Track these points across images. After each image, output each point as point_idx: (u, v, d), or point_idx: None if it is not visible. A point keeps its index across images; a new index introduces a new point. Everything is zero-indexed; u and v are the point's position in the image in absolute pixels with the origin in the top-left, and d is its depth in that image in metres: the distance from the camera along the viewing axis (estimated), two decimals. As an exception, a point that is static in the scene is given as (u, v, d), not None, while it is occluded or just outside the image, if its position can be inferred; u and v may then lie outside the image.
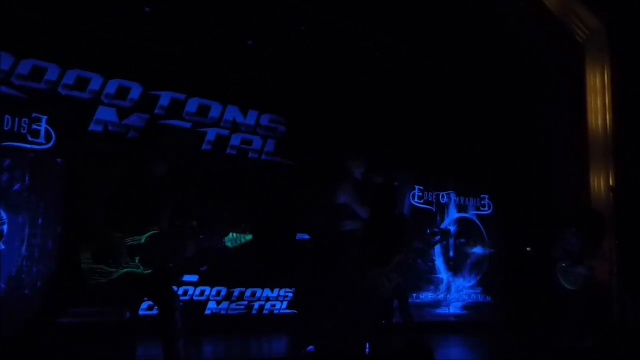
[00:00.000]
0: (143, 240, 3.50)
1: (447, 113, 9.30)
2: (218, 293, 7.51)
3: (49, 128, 6.29)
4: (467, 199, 9.59)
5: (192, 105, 7.65)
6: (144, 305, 6.60)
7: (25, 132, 6.14)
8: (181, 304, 3.70)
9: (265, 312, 7.87)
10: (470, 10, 8.40)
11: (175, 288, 6.90)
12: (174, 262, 3.69)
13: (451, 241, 9.16)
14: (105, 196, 3.47)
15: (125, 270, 3.47)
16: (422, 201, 9.14)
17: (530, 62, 9.44)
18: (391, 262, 5.73)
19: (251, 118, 8.15)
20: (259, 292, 7.84)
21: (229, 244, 3.70)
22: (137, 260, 3.49)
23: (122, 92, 7.05)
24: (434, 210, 9.25)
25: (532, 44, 9.36)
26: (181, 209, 3.79)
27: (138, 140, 6.25)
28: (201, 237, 3.67)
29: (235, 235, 3.66)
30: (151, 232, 3.52)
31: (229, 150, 7.94)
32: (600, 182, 8.92)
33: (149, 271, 3.51)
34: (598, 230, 6.66)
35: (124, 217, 3.48)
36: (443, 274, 9.14)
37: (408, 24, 8.38)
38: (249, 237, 3.69)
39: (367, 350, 5.41)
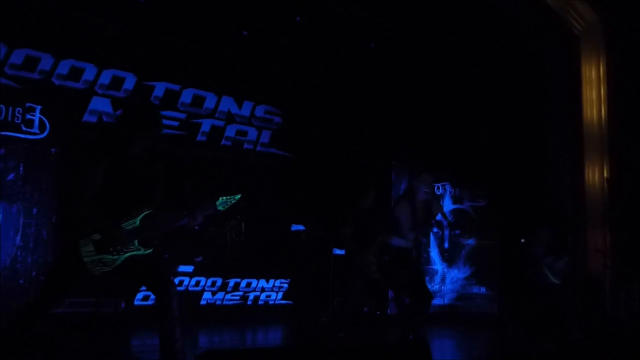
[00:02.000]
0: (138, 223, 3.52)
1: (442, 105, 9.29)
2: (213, 283, 7.51)
3: (43, 118, 6.26)
4: (462, 190, 9.60)
5: (187, 95, 7.63)
6: (139, 295, 6.64)
7: (19, 121, 6.12)
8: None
9: (260, 302, 7.89)
10: (469, 2, 8.36)
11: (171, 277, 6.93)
12: (174, 239, 3.71)
13: (446, 232, 9.18)
14: (95, 186, 3.48)
15: (127, 254, 3.49)
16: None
17: (526, 54, 9.43)
18: (376, 242, 5.71)
19: (246, 109, 8.13)
20: (254, 282, 7.85)
21: (220, 208, 3.73)
22: (136, 243, 3.51)
23: (117, 83, 7.02)
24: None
25: (528, 35, 9.35)
26: (170, 184, 3.81)
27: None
28: (193, 207, 3.69)
29: (224, 198, 3.71)
30: (145, 213, 3.54)
31: (223, 141, 7.92)
32: (595, 174, 8.93)
33: (150, 251, 3.53)
34: (565, 227, 6.92)
35: (115, 204, 3.49)
36: (438, 265, 9.17)
37: (405, 16, 8.36)
38: (238, 196, 3.73)
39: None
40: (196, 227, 3.88)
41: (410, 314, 5.49)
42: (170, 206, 3.68)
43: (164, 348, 3.55)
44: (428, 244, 9.02)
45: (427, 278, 8.53)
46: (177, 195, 3.93)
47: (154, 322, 3.57)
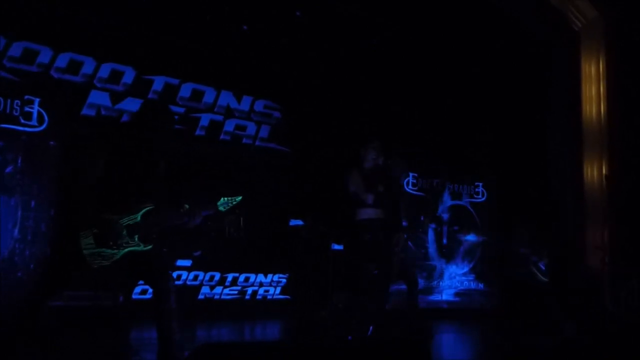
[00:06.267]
0: (139, 218, 3.53)
1: (441, 100, 9.28)
2: (211, 278, 7.52)
3: (42, 110, 6.25)
4: (460, 186, 9.60)
5: (186, 90, 7.61)
6: (137, 289, 6.63)
7: (17, 114, 6.11)
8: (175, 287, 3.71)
9: (258, 297, 7.89)
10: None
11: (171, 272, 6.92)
12: (172, 234, 3.73)
13: (444, 228, 9.17)
14: (97, 179, 3.50)
15: (127, 249, 3.50)
16: (416, 188, 9.15)
17: (526, 51, 9.42)
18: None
19: (245, 103, 8.12)
20: (252, 277, 7.85)
21: (221, 208, 3.77)
22: (136, 238, 3.52)
23: (115, 76, 7.01)
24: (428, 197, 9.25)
25: (528, 31, 9.33)
26: (172, 183, 3.85)
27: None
28: (195, 206, 3.73)
29: (226, 199, 3.75)
30: (146, 209, 3.55)
31: (222, 136, 7.92)
32: (594, 171, 8.93)
33: (150, 247, 3.54)
34: (550, 223, 6.86)
35: (118, 198, 3.50)
36: (436, 260, 9.17)
37: (405, 15, 8.34)
38: (239, 198, 3.78)
39: (370, 332, 5.41)
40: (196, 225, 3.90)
41: (376, 286, 5.52)
42: (171, 204, 3.70)
43: (162, 341, 3.55)
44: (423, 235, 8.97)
45: (416, 264, 8.53)
46: (179, 193, 3.95)
47: (152, 316, 3.57)
